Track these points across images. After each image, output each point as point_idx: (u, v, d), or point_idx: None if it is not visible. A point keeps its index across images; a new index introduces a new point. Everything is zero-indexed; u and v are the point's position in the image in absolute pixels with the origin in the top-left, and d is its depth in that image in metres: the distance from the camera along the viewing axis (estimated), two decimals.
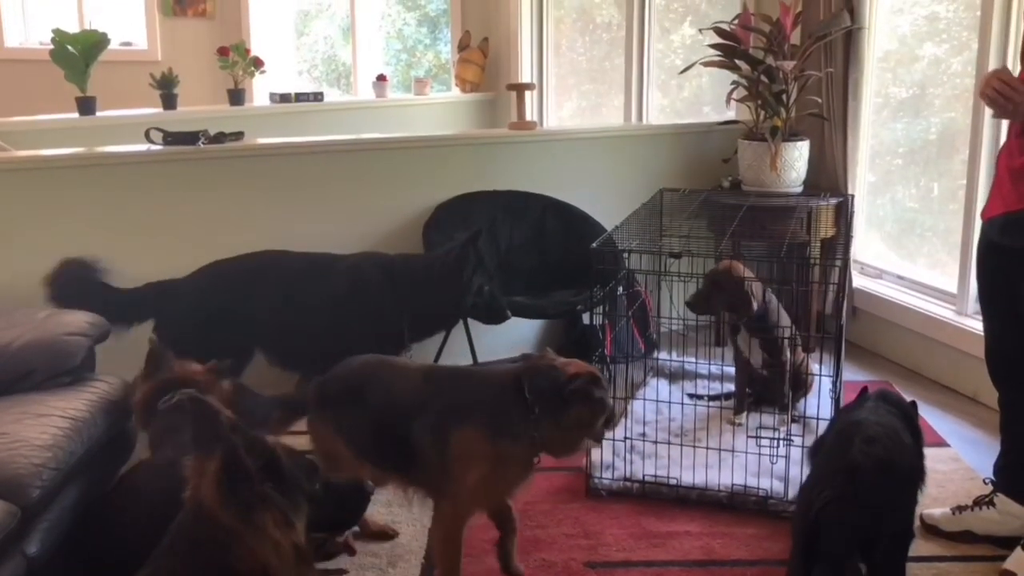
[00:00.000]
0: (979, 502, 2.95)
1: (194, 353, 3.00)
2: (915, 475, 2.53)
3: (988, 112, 3.95)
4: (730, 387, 3.93)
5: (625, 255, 3.42)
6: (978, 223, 4.03)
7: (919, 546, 2.89)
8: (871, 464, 2.32)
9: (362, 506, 2.20)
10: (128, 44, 8.00)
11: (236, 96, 6.37)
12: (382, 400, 2.64)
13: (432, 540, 2.78)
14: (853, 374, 4.16)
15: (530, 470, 2.59)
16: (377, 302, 3.61)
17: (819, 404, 3.29)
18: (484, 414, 2.51)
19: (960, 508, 2.98)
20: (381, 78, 7.12)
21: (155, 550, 1.92)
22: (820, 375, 3.50)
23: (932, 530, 2.99)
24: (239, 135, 4.25)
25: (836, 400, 3.24)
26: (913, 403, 2.78)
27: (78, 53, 5.40)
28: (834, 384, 3.29)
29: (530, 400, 2.48)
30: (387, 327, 3.56)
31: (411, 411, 2.55)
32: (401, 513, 3.14)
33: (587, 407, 2.53)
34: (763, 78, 4.46)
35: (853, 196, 4.47)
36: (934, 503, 3.07)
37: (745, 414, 3.76)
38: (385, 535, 3.03)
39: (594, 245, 3.38)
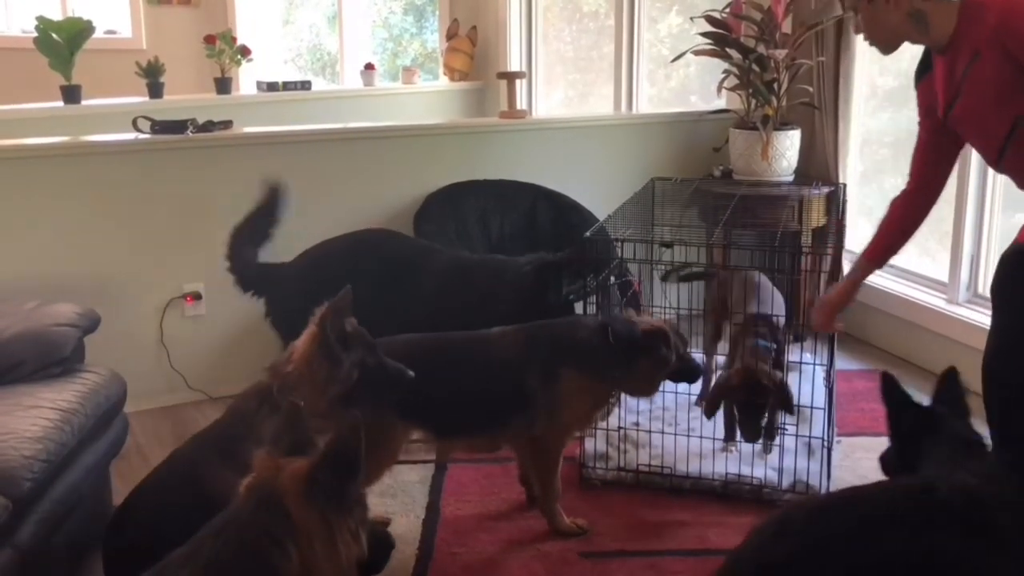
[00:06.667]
0: None
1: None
2: None
3: None
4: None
5: (617, 244, 3.40)
6: (970, 211, 4.07)
7: None
8: None
9: (386, 555, 1.98)
10: (113, 32, 7.92)
11: (223, 85, 6.32)
12: (478, 365, 2.88)
13: (537, 470, 3.01)
14: (844, 363, 4.16)
15: (607, 402, 3.12)
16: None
17: (813, 393, 3.28)
18: (582, 358, 2.89)
19: None
20: (369, 67, 7.07)
21: (202, 529, 1.76)
22: (813, 364, 3.50)
23: None
24: (228, 124, 4.21)
25: (829, 389, 3.24)
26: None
27: (63, 41, 5.36)
28: (827, 373, 3.29)
29: (613, 346, 2.86)
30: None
31: (520, 365, 2.85)
32: (394, 504, 3.14)
33: (652, 360, 2.92)
34: (754, 67, 4.44)
35: (845, 185, 4.47)
36: None
37: None
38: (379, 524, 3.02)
39: (588, 234, 3.36)
